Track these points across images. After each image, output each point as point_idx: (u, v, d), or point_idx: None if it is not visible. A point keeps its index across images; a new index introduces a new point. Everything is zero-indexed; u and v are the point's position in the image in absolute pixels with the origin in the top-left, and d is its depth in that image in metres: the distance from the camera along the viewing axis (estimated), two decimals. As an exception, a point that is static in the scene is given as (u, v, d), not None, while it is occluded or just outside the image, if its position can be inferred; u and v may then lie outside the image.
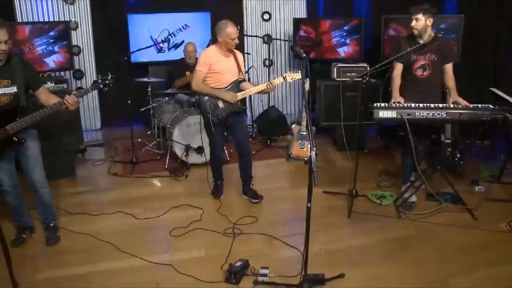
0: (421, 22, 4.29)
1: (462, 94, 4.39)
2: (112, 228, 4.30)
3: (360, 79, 4.65)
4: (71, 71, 7.08)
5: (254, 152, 5.89)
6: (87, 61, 7.45)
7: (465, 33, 6.15)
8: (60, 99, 3.65)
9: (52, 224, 4.14)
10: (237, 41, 4.42)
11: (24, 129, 3.65)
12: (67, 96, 3.63)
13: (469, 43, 6.22)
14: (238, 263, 3.49)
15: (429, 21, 4.30)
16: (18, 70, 3.62)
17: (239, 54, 4.62)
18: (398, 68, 4.49)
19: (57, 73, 6.44)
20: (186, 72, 6.48)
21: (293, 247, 3.83)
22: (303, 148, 5.90)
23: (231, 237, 4.05)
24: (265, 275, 3.38)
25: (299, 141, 5.94)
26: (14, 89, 3.61)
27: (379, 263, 3.66)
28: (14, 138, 3.64)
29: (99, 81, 3.76)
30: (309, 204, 3.01)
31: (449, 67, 4.47)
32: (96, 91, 4.08)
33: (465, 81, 5.89)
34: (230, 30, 4.34)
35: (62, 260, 3.78)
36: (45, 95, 3.76)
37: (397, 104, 4.26)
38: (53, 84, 5.76)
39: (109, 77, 3.77)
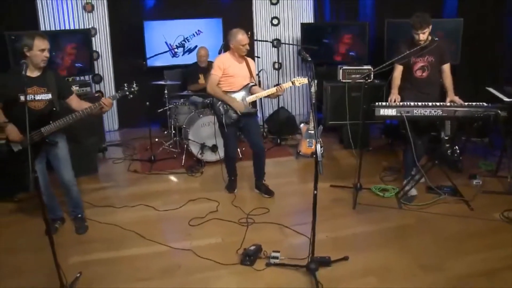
0: (427, 33, 4.62)
1: (461, 94, 4.71)
2: (135, 219, 4.67)
3: (363, 80, 4.99)
4: (91, 75, 7.46)
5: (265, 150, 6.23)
6: (105, 66, 7.85)
7: (464, 36, 6.47)
8: (91, 104, 4.06)
9: (80, 215, 4.54)
10: (247, 47, 4.79)
11: (54, 132, 4.06)
12: (103, 98, 4.06)
13: (468, 45, 6.53)
14: (252, 247, 3.86)
15: (430, 28, 4.64)
16: (52, 80, 4.05)
17: (251, 62, 4.99)
18: (398, 69, 4.83)
19: (80, 77, 6.85)
20: (200, 75, 6.86)
21: (302, 234, 4.18)
22: (311, 146, 6.24)
23: (245, 226, 4.42)
24: (277, 258, 3.74)
25: (307, 140, 6.28)
26: (49, 96, 4.03)
27: (381, 248, 4.00)
28: (47, 139, 4.04)
29: (125, 88, 4.15)
30: (315, 191, 3.37)
31: (446, 67, 4.80)
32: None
33: (464, 81, 6.24)
34: (240, 37, 4.71)
35: (91, 247, 4.16)
36: (76, 101, 4.20)
37: (394, 102, 4.61)
38: (78, 87, 6.16)
39: (134, 85, 4.17)
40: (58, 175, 4.28)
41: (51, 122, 3.97)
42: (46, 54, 3.89)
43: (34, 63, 3.88)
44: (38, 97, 3.94)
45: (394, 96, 4.73)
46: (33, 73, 3.92)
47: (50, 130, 3.98)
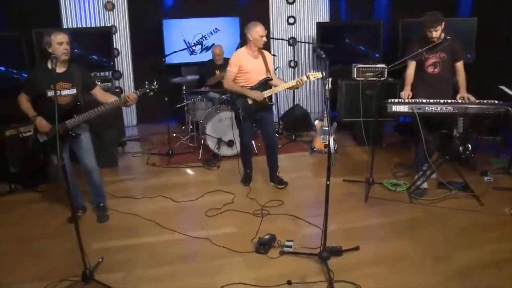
0: (440, 30, 4.72)
1: (475, 92, 4.80)
2: (153, 209, 4.85)
3: (376, 78, 5.12)
4: (111, 72, 7.66)
5: (280, 146, 6.37)
6: (125, 63, 8.05)
7: (478, 35, 6.54)
8: (117, 97, 4.26)
9: (102, 205, 4.73)
10: (265, 39, 4.93)
11: (78, 124, 4.26)
12: (128, 93, 4.27)
13: (483, 44, 6.60)
14: (267, 237, 4.01)
15: (443, 25, 4.74)
16: (76, 75, 4.25)
17: (267, 55, 5.12)
18: (412, 67, 4.95)
19: (101, 73, 7.08)
20: (216, 71, 7.02)
21: (314, 225, 4.31)
22: (325, 142, 6.37)
23: (259, 217, 4.57)
24: (290, 247, 3.89)
25: (322, 136, 6.41)
26: (74, 90, 4.23)
27: (391, 239, 4.13)
28: (71, 132, 4.23)
29: (146, 86, 4.32)
30: (328, 182, 3.50)
31: (460, 65, 4.90)
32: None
33: (478, 80, 6.32)
34: (259, 28, 4.87)
35: (112, 235, 4.35)
36: (101, 94, 4.40)
37: (405, 97, 4.75)
38: (99, 83, 6.35)
39: (154, 83, 4.34)
40: (81, 163, 4.47)
41: (75, 115, 4.16)
42: (65, 46, 4.06)
43: (57, 58, 4.05)
44: (63, 92, 4.15)
45: (407, 92, 4.85)
46: (59, 69, 4.10)
47: (74, 123, 4.18)
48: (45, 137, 4.21)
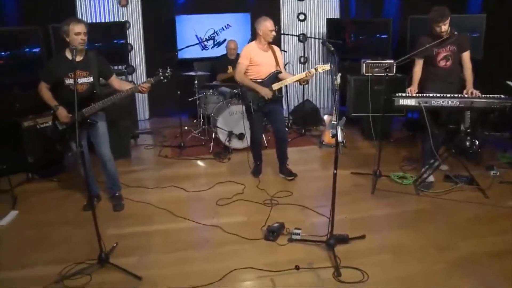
0: (448, 24, 4.81)
1: (484, 89, 4.87)
2: (166, 198, 4.99)
3: (384, 73, 5.22)
4: (124, 66, 7.81)
5: (289, 140, 6.46)
6: (137, 58, 8.21)
7: (487, 31, 6.61)
8: (133, 85, 4.40)
9: (117, 194, 4.88)
10: (274, 33, 5.07)
11: (95, 112, 4.39)
12: (142, 82, 4.39)
13: (492, 40, 6.67)
14: (276, 225, 4.13)
15: (449, 19, 4.83)
16: (93, 63, 4.39)
17: (277, 49, 5.25)
18: (419, 64, 5.04)
19: (114, 67, 7.22)
20: (228, 67, 7.16)
21: (322, 215, 4.43)
22: (334, 133, 6.46)
23: (269, 207, 4.70)
24: (298, 234, 4.01)
25: (331, 130, 6.50)
26: (90, 79, 4.37)
27: (397, 229, 4.24)
28: (88, 120, 4.38)
29: (160, 73, 4.43)
30: (335, 171, 3.62)
31: (466, 56, 4.97)
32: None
33: (486, 76, 6.39)
34: (268, 23, 5.02)
35: (125, 222, 4.51)
36: (118, 82, 4.54)
37: (411, 91, 4.86)
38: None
39: (168, 70, 4.43)
40: (97, 150, 4.62)
41: (92, 103, 4.30)
42: (82, 37, 4.19)
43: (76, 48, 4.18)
44: (80, 80, 4.28)
45: (413, 88, 4.94)
46: (76, 57, 4.24)
47: (91, 111, 4.32)
48: (64, 125, 4.36)
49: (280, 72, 5.23)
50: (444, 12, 4.75)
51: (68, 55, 4.24)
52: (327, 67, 5.07)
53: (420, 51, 4.93)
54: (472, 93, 4.77)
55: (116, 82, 4.54)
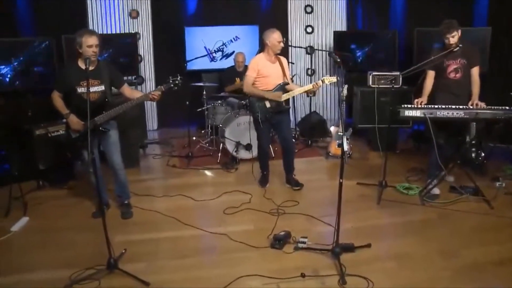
0: (456, 36, 4.88)
1: (490, 101, 4.90)
2: (174, 207, 5.07)
3: (390, 85, 5.29)
4: (133, 77, 7.94)
5: (296, 150, 6.53)
6: (147, 68, 8.34)
7: (492, 44, 6.68)
8: (143, 93, 4.50)
9: (126, 202, 4.95)
10: (282, 44, 5.16)
11: (106, 120, 4.48)
12: (153, 90, 4.48)
13: (497, 53, 6.74)
14: (282, 233, 4.18)
15: (459, 33, 4.91)
16: (105, 72, 4.49)
17: (284, 60, 5.34)
18: (430, 76, 5.10)
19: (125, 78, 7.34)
20: (236, 79, 7.26)
21: (328, 224, 4.47)
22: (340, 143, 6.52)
23: (275, 216, 4.75)
24: (304, 243, 4.06)
25: (337, 141, 6.57)
26: (102, 87, 4.47)
27: (401, 238, 4.28)
28: (101, 128, 4.46)
29: (170, 81, 4.52)
30: (341, 180, 3.68)
31: (475, 71, 5.02)
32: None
33: (492, 88, 6.43)
34: (276, 34, 5.12)
35: (134, 229, 4.58)
36: (129, 91, 4.63)
37: (418, 103, 4.91)
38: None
39: (178, 78, 4.51)
40: (108, 160, 4.71)
41: (104, 112, 4.40)
42: (94, 49, 4.28)
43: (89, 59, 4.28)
44: (92, 89, 4.37)
45: (420, 99, 5.00)
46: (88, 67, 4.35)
47: (103, 119, 4.41)
48: (77, 133, 4.45)
49: (287, 83, 5.31)
50: (452, 24, 4.83)
51: (81, 64, 4.35)
52: (334, 79, 5.16)
53: (426, 63, 5.00)
54: (477, 104, 4.82)
55: (127, 90, 4.63)
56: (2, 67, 6.07)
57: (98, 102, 4.45)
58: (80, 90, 4.34)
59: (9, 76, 6.12)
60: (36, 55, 6.27)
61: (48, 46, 6.34)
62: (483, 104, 4.81)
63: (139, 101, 4.50)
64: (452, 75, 5.03)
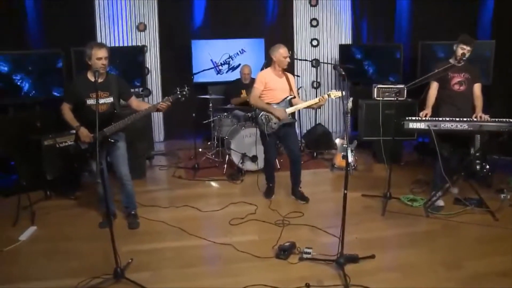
0: (470, 51, 4.98)
1: (493, 114, 4.97)
2: (179, 217, 5.10)
3: (395, 98, 5.35)
4: (140, 89, 8.01)
5: (302, 162, 6.55)
6: (154, 81, 8.42)
7: (496, 57, 6.73)
8: (151, 104, 4.57)
9: (133, 212, 5.00)
10: (288, 59, 5.23)
11: (115, 132, 4.55)
12: (161, 101, 4.56)
13: (501, 66, 6.78)
14: (287, 244, 4.22)
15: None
16: (113, 84, 4.57)
17: (290, 76, 5.43)
18: (434, 87, 5.15)
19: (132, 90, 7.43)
20: (242, 91, 7.33)
21: (333, 235, 4.49)
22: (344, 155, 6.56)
23: (281, 227, 4.79)
24: (309, 253, 4.10)
25: (342, 153, 6.61)
26: (111, 99, 4.54)
27: (406, 249, 4.32)
28: (109, 139, 4.53)
29: (178, 92, 4.58)
30: (345, 191, 3.72)
31: (477, 87, 5.11)
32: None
33: (496, 102, 6.48)
34: (282, 50, 5.19)
35: (140, 239, 4.63)
36: (137, 102, 4.70)
37: (422, 115, 4.96)
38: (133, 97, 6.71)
39: (186, 89, 4.57)
40: (116, 170, 4.77)
41: (112, 123, 4.47)
42: (103, 62, 4.38)
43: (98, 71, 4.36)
44: (101, 100, 4.44)
45: (425, 111, 5.04)
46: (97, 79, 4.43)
47: (111, 130, 4.48)
48: (86, 144, 4.52)
49: (294, 97, 5.38)
50: (472, 40, 4.97)
51: (90, 76, 4.43)
52: (339, 94, 5.22)
53: (430, 75, 5.05)
54: (481, 117, 4.86)
55: (135, 102, 4.70)
56: (18, 78, 6.17)
57: (107, 114, 4.52)
58: (90, 101, 4.42)
59: (26, 87, 6.23)
60: (46, 67, 6.36)
61: (57, 58, 6.42)
62: (487, 117, 4.86)
63: (147, 112, 4.57)
64: (456, 87, 5.08)
